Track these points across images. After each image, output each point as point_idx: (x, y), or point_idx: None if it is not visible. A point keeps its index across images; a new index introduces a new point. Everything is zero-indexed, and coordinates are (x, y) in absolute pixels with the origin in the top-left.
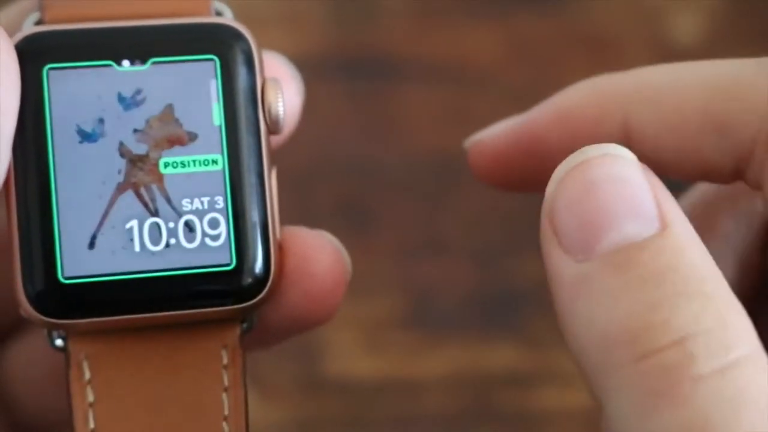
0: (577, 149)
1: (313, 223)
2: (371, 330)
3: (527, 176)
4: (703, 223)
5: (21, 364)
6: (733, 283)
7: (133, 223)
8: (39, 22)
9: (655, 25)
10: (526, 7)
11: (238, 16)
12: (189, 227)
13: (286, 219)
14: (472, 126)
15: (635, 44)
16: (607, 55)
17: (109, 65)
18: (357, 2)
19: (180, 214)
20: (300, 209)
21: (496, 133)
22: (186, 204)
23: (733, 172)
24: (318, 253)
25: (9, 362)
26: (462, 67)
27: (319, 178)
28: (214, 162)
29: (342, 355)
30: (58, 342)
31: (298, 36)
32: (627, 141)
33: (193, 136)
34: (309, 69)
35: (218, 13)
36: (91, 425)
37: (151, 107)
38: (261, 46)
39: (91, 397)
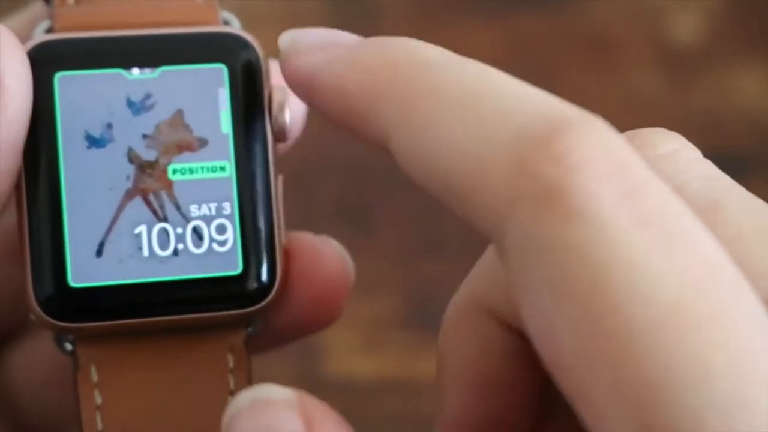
0: None
1: (313, 222)
2: (371, 330)
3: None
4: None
5: (24, 366)
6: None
7: (142, 229)
8: (50, 30)
9: (655, 25)
10: (526, 7)
11: (237, 16)
12: (197, 233)
13: (286, 219)
14: None
15: (635, 44)
16: (607, 55)
17: (119, 73)
18: (357, 2)
19: (188, 220)
20: (300, 209)
21: (310, 60)
22: (194, 210)
23: None
24: (322, 259)
25: (12, 364)
26: None
27: (319, 178)
28: (222, 169)
29: (342, 355)
30: (67, 346)
31: None
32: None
33: (203, 142)
34: None
35: (226, 22)
36: (99, 427)
37: (161, 112)
38: (264, 49)
39: (99, 400)
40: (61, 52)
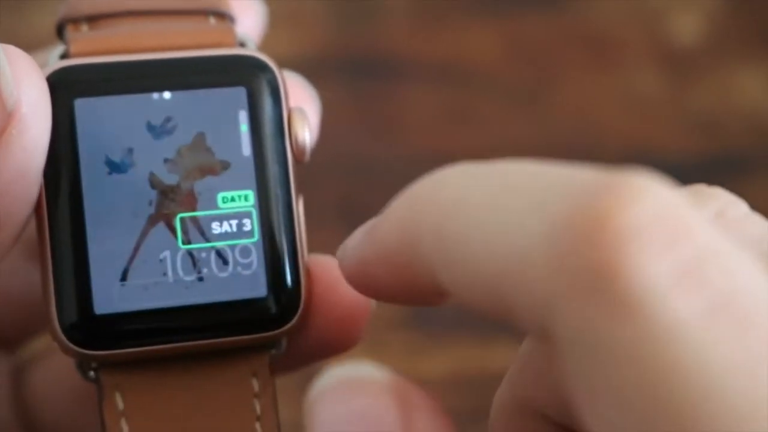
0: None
1: (313, 222)
2: (371, 330)
3: (393, 288)
4: None
5: (45, 384)
6: None
7: (166, 254)
8: (64, 56)
9: (655, 25)
10: (526, 7)
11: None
12: (221, 257)
13: None
14: (471, 126)
15: (635, 44)
16: (607, 55)
17: (138, 97)
18: (357, 2)
19: (212, 245)
20: None
21: (354, 248)
22: (218, 234)
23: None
24: (343, 282)
25: (34, 382)
26: (462, 67)
27: (319, 177)
28: (245, 192)
29: (342, 355)
30: (90, 373)
31: (298, 36)
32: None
33: (225, 165)
34: (309, 69)
35: (241, 44)
36: None
37: (182, 135)
38: (265, 50)
39: (125, 428)
40: (79, 78)
